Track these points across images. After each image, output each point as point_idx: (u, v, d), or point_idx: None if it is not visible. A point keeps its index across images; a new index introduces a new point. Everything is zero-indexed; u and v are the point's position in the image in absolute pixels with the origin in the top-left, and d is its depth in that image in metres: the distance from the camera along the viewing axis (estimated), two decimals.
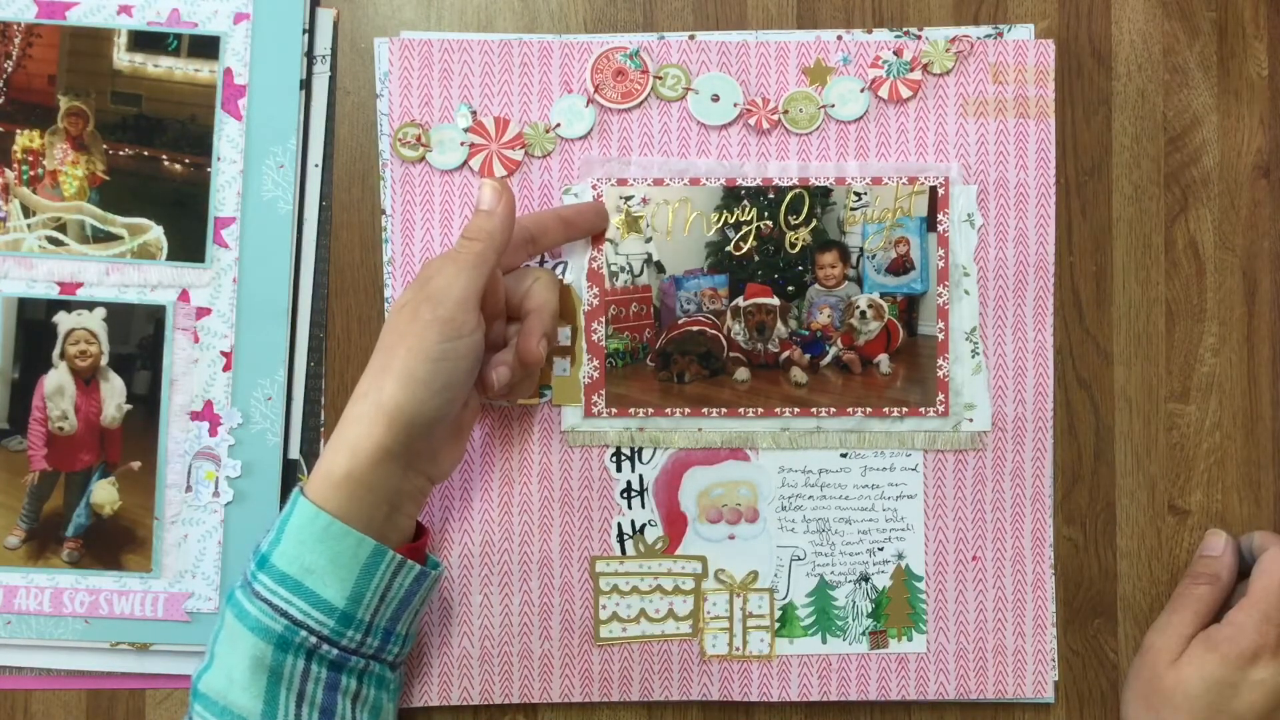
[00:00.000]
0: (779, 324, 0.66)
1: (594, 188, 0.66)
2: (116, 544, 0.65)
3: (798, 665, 0.66)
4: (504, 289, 0.62)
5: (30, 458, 0.66)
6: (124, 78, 0.66)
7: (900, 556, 0.67)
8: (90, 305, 0.66)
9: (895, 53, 0.66)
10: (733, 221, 0.66)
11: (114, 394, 0.66)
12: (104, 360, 0.66)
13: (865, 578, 0.67)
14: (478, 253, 0.58)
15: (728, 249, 0.66)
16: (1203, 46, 0.68)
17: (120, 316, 0.66)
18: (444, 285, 0.57)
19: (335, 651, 0.57)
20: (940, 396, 0.66)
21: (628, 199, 0.66)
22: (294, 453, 0.66)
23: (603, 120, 0.66)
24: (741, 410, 0.66)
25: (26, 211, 0.66)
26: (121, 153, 0.66)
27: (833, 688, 0.66)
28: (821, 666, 0.66)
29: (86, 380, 0.66)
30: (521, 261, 0.64)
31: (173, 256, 0.66)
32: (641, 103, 0.66)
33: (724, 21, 0.68)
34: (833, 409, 0.66)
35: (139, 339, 0.66)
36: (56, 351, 0.66)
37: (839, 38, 0.67)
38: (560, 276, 0.66)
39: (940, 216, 0.66)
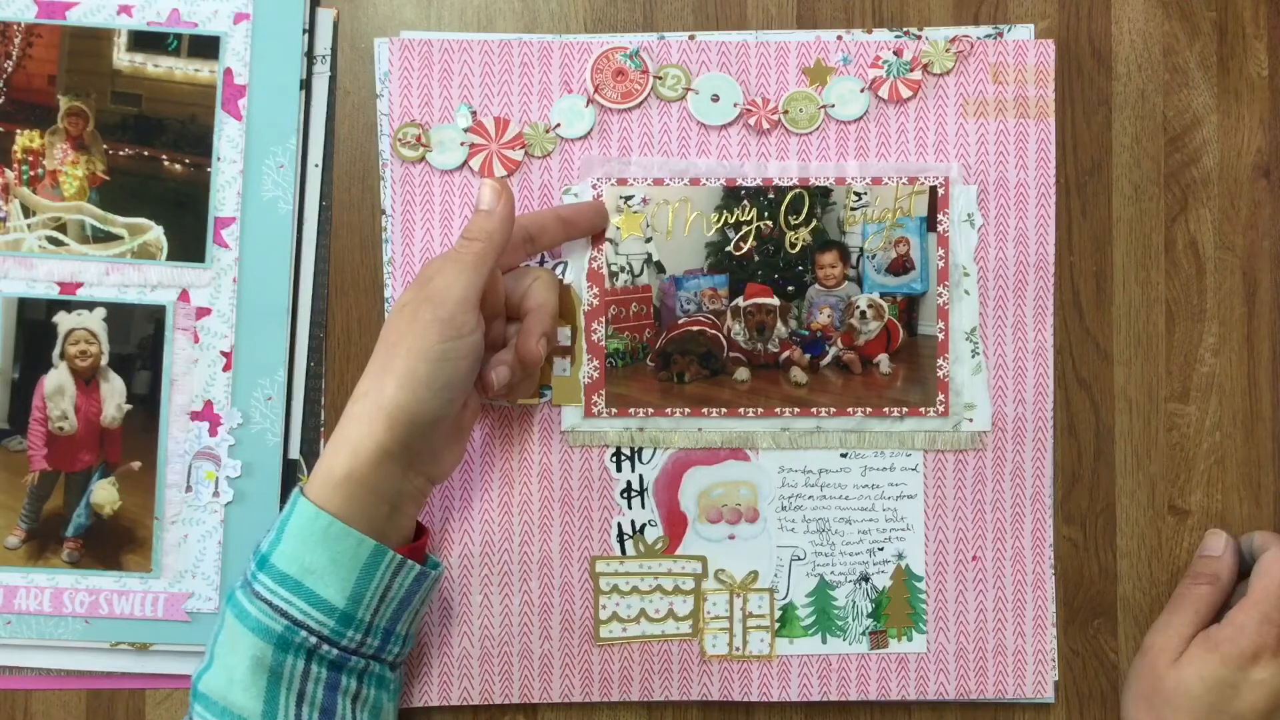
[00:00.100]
0: (779, 324, 0.66)
1: (594, 188, 0.66)
2: (116, 544, 0.65)
3: (798, 665, 0.66)
4: (503, 288, 0.62)
5: (30, 458, 0.66)
6: (124, 78, 0.66)
7: (900, 556, 0.67)
8: (90, 305, 0.66)
9: (895, 53, 0.66)
10: (733, 221, 0.66)
11: (114, 394, 0.66)
12: (104, 360, 0.66)
13: (865, 578, 0.67)
14: (477, 253, 0.58)
15: (728, 249, 0.66)
16: (1203, 46, 0.68)
17: (120, 316, 0.66)
18: (444, 285, 0.57)
19: (335, 652, 0.57)
20: (940, 396, 0.66)
21: (628, 199, 0.66)
22: (294, 453, 0.66)
23: (603, 120, 0.66)
24: (741, 410, 0.66)
25: (26, 211, 0.66)
26: (121, 153, 0.66)
27: (833, 688, 0.66)
28: (821, 666, 0.66)
29: (86, 380, 0.66)
30: (520, 260, 0.64)
31: (173, 256, 0.66)
32: (641, 103, 0.66)
33: (724, 21, 0.68)
34: (833, 409, 0.66)
35: (139, 339, 0.66)
36: (56, 351, 0.66)
37: (839, 38, 0.67)
38: (560, 276, 0.66)
39: (940, 216, 0.66)
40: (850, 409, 0.66)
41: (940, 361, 0.66)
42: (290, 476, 0.66)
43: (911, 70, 0.66)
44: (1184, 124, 0.68)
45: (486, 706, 0.66)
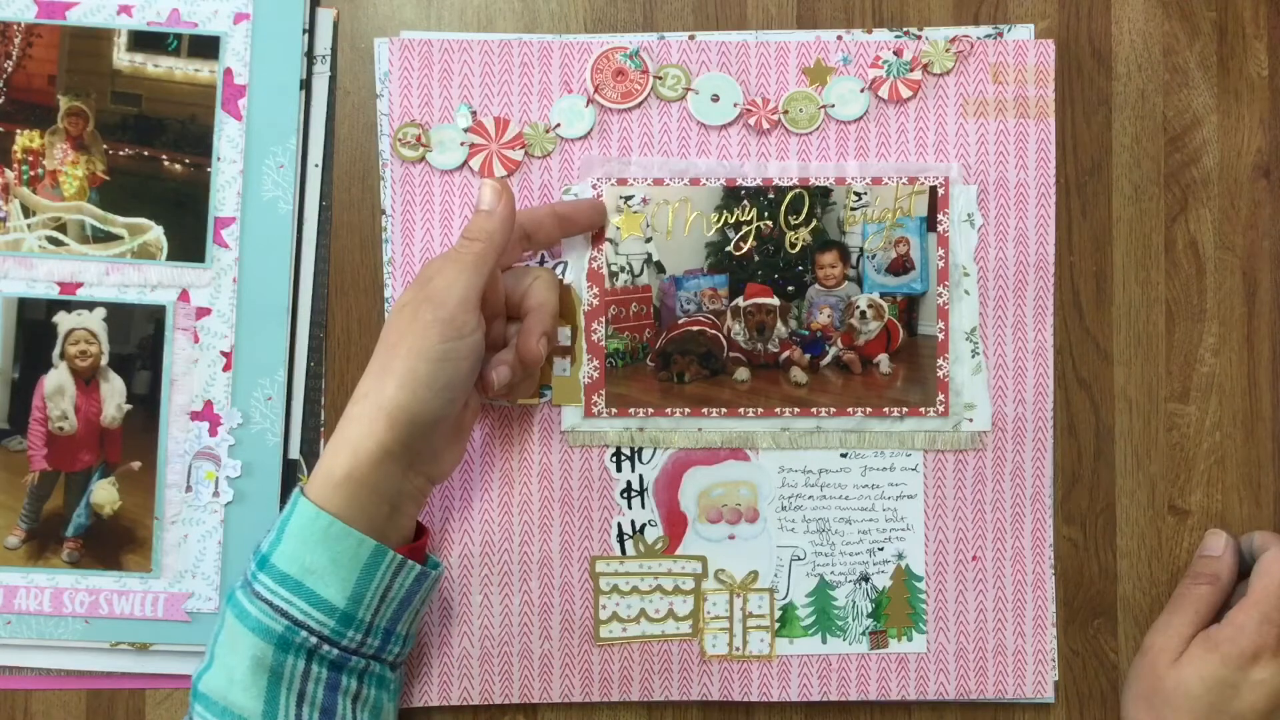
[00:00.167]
0: (779, 324, 0.66)
1: (594, 188, 0.66)
2: (116, 544, 0.65)
3: (798, 665, 0.66)
4: (503, 288, 0.62)
5: (30, 458, 0.66)
6: (124, 78, 0.66)
7: (900, 556, 0.67)
8: (90, 305, 0.66)
9: (895, 53, 0.66)
10: (733, 221, 0.66)
11: (114, 394, 0.66)
12: (104, 360, 0.66)
13: (865, 578, 0.67)
14: (478, 253, 0.58)
15: (728, 249, 0.66)
16: (1203, 46, 0.68)
17: (120, 316, 0.66)
18: (445, 286, 0.57)
19: (336, 652, 0.57)
20: (940, 396, 0.66)
21: (628, 199, 0.66)
22: (294, 453, 0.66)
23: (603, 120, 0.66)
24: (741, 410, 0.66)
25: (26, 211, 0.66)
26: (121, 153, 0.66)
27: (833, 688, 0.66)
28: (821, 666, 0.66)
29: (86, 380, 0.66)
30: (517, 257, 0.64)
31: (173, 256, 0.66)
32: (641, 103, 0.66)
33: (724, 21, 0.68)
34: (833, 409, 0.66)
35: (139, 339, 0.66)
36: (56, 351, 0.66)
37: (839, 38, 0.67)
38: (560, 276, 0.66)
39: (940, 216, 0.66)
40: (850, 409, 0.66)
41: (940, 361, 0.66)
42: (290, 476, 0.66)
43: (911, 70, 0.66)
44: (1184, 124, 0.68)
45: (486, 706, 0.66)
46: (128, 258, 0.66)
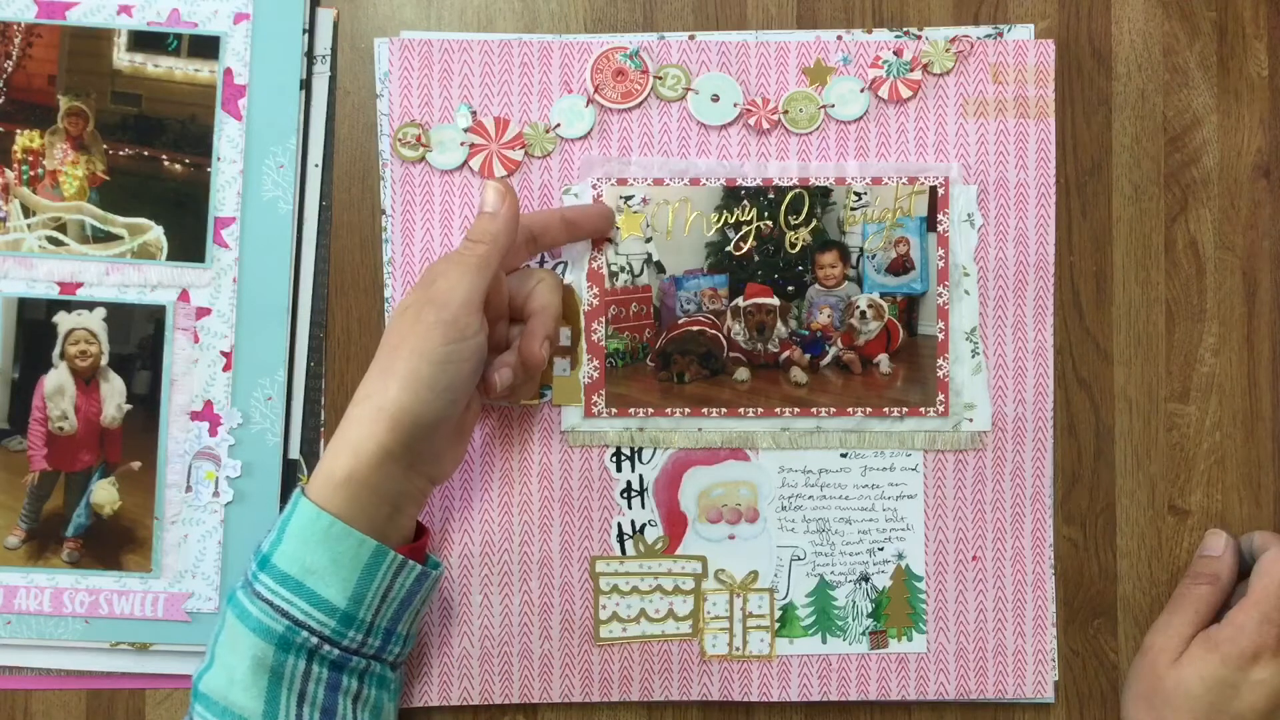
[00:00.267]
0: (779, 324, 0.66)
1: (594, 188, 0.66)
2: (116, 544, 0.65)
3: (798, 665, 0.66)
4: (507, 290, 0.62)
5: (30, 458, 0.66)
6: (124, 78, 0.66)
7: (900, 556, 0.67)
8: (90, 305, 0.66)
9: (895, 53, 0.66)
10: (733, 221, 0.66)
11: (114, 394, 0.66)
12: (104, 360, 0.66)
13: (865, 578, 0.67)
14: (481, 255, 0.58)
15: (728, 249, 0.66)
16: (1203, 46, 0.68)
17: (120, 316, 0.66)
18: (448, 287, 0.57)
19: (336, 652, 0.57)
20: (940, 396, 0.66)
21: (628, 199, 0.66)
22: (294, 453, 0.66)
23: (603, 120, 0.66)
24: (741, 410, 0.66)
25: (26, 211, 0.66)
26: (121, 153, 0.66)
27: (833, 688, 0.66)
28: (821, 666, 0.66)
29: (86, 380, 0.66)
30: (522, 261, 0.64)
31: (173, 256, 0.66)
32: (641, 103, 0.66)
33: (724, 21, 0.68)
34: (833, 409, 0.66)
35: (139, 339, 0.66)
36: (56, 351, 0.66)
37: (839, 38, 0.67)
38: (560, 277, 0.66)
39: (940, 216, 0.66)
40: (850, 409, 0.66)
41: (940, 361, 0.66)
42: (290, 476, 0.66)
43: (911, 70, 0.66)
44: (1184, 124, 0.68)
45: (486, 706, 0.66)
46: (128, 258, 0.66)
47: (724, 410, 0.66)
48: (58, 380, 0.66)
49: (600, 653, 0.66)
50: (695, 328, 0.66)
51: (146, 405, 0.66)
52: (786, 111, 0.66)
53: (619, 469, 0.66)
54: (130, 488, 0.66)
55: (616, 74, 0.66)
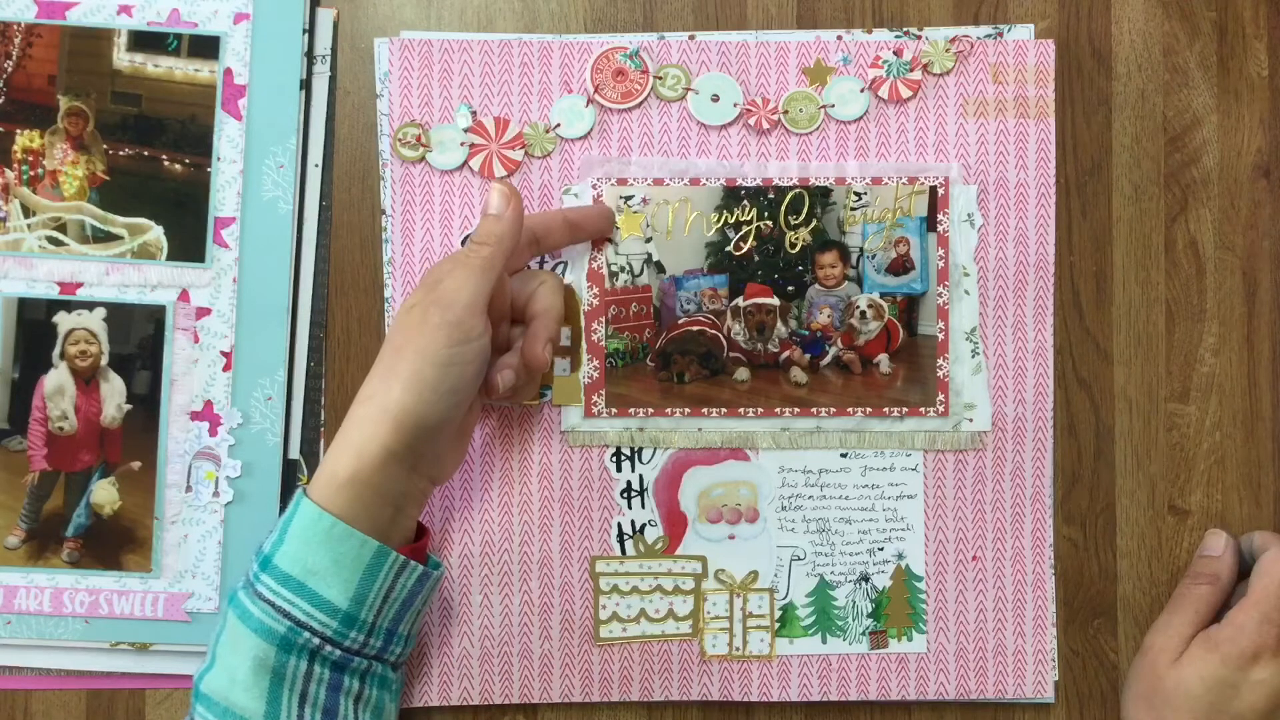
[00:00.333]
0: (779, 324, 0.66)
1: (594, 188, 0.66)
2: (116, 544, 0.65)
3: (798, 665, 0.66)
4: (509, 292, 0.62)
5: (30, 458, 0.66)
6: (124, 78, 0.66)
7: (900, 556, 0.67)
8: (90, 305, 0.66)
9: (895, 53, 0.66)
10: (733, 221, 0.66)
11: (114, 394, 0.66)
12: (104, 360, 0.66)
13: (865, 578, 0.67)
14: (486, 257, 0.58)
15: (728, 249, 0.66)
16: (1203, 46, 0.68)
17: (120, 316, 0.66)
18: (453, 289, 0.57)
19: (338, 653, 0.57)
20: (940, 396, 0.66)
21: (628, 199, 0.66)
22: (294, 453, 0.66)
23: (603, 120, 0.66)
24: (741, 410, 0.66)
25: (26, 211, 0.66)
26: (121, 153, 0.66)
27: (833, 688, 0.66)
28: (821, 666, 0.66)
29: (86, 380, 0.66)
30: (525, 262, 0.64)
31: (173, 256, 0.66)
32: (641, 103, 0.66)
33: (724, 21, 0.68)
34: (833, 409, 0.66)
35: (139, 339, 0.66)
36: (56, 351, 0.66)
37: (839, 38, 0.67)
38: (561, 277, 0.66)
39: (940, 216, 0.66)
40: (850, 409, 0.66)
41: (940, 361, 0.66)
42: (290, 476, 0.66)
43: (911, 70, 0.66)
44: (1184, 124, 0.68)
45: (486, 706, 0.66)
46: (128, 258, 0.66)
47: (724, 410, 0.66)
48: (58, 380, 0.66)
49: (600, 653, 0.66)
50: (695, 328, 0.66)
51: (146, 405, 0.66)
52: (786, 111, 0.66)
53: (619, 469, 0.66)
54: (130, 488, 0.66)
55: (616, 74, 0.66)
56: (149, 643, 0.65)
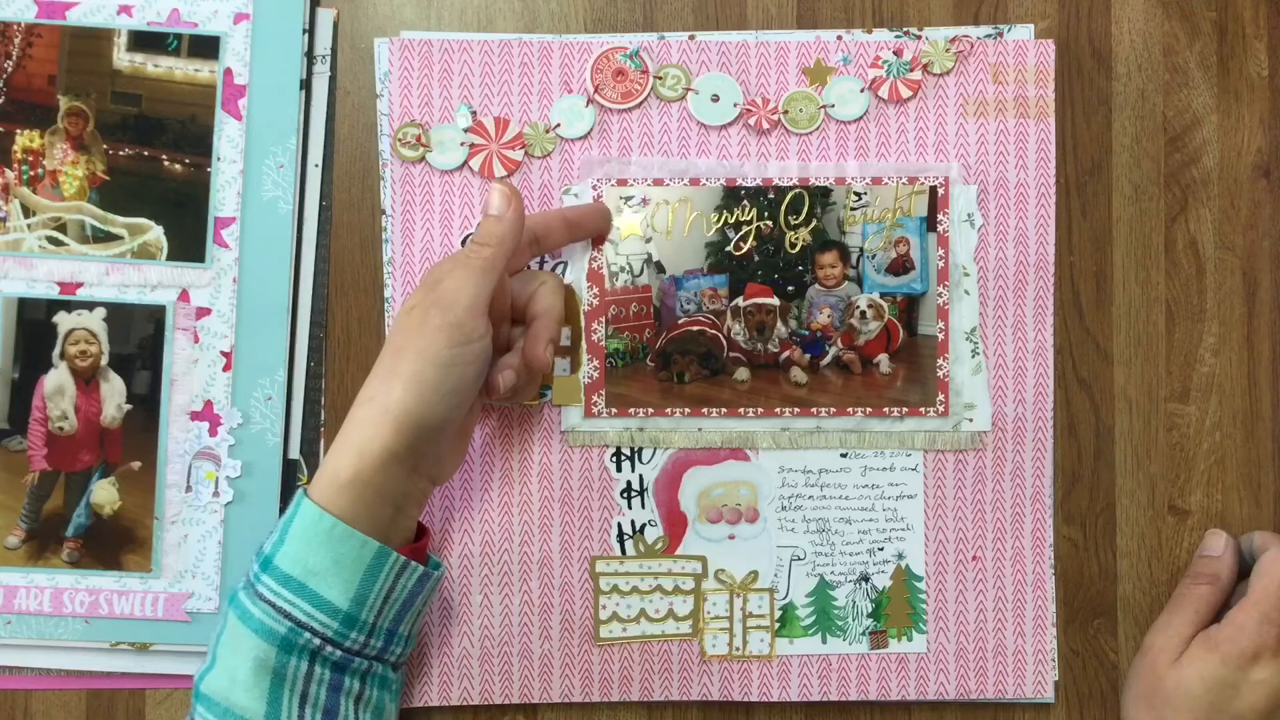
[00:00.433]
0: (779, 324, 0.66)
1: (594, 188, 0.66)
2: (116, 544, 0.65)
3: (798, 665, 0.66)
4: (510, 292, 0.62)
5: (30, 458, 0.66)
6: (124, 78, 0.66)
7: (900, 556, 0.67)
8: (90, 305, 0.66)
9: (895, 53, 0.66)
10: (733, 221, 0.66)
11: (114, 394, 0.66)
12: (104, 360, 0.66)
13: (865, 578, 0.67)
14: (487, 258, 0.58)
15: (728, 249, 0.66)
16: (1203, 46, 0.68)
17: (120, 316, 0.66)
18: (454, 289, 0.57)
19: (338, 653, 0.57)
20: (940, 396, 0.66)
21: (628, 199, 0.66)
22: (294, 453, 0.66)
23: (603, 120, 0.66)
24: (741, 410, 0.66)
25: (26, 211, 0.66)
26: (121, 153, 0.66)
27: (833, 688, 0.66)
28: (821, 666, 0.66)
29: (86, 380, 0.66)
30: (525, 262, 0.64)
31: (173, 256, 0.66)
32: (641, 103, 0.66)
33: (724, 21, 0.68)
34: (833, 409, 0.66)
35: (139, 339, 0.66)
36: (56, 351, 0.66)
37: (839, 38, 0.67)
38: (561, 277, 0.66)
39: (940, 216, 0.66)
40: (850, 409, 0.66)
41: (940, 361, 0.66)
42: (290, 476, 0.66)
43: (911, 70, 0.66)
44: (1184, 124, 0.68)
45: (486, 706, 0.66)
46: (128, 258, 0.66)
47: (724, 410, 0.66)
48: (58, 380, 0.66)
49: (600, 653, 0.66)
50: (695, 328, 0.66)
51: (146, 405, 0.66)
52: (786, 111, 0.66)
53: (619, 469, 0.66)
54: (130, 488, 0.66)
55: (616, 74, 0.66)
56: (149, 643, 0.65)
